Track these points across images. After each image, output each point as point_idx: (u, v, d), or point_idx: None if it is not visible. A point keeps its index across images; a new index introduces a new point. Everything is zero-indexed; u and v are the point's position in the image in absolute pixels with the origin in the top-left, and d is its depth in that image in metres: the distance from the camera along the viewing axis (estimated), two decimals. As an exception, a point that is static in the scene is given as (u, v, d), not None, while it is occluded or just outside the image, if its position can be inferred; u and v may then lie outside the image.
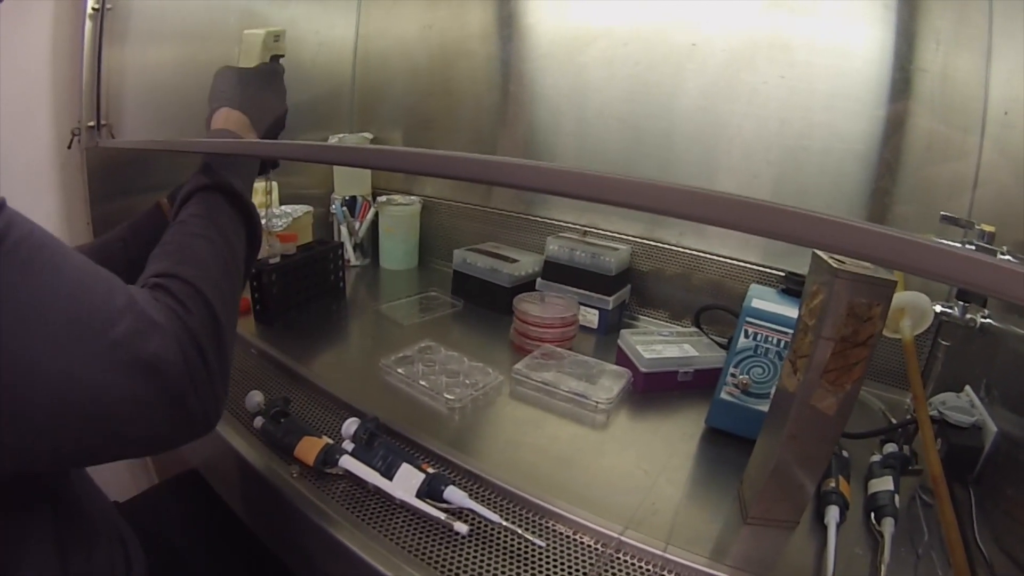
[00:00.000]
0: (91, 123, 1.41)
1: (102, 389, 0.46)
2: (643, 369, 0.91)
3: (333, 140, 1.63)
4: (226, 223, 0.71)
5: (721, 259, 1.14)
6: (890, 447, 0.78)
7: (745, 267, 1.11)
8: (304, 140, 1.69)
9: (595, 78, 1.25)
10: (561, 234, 1.26)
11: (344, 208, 1.57)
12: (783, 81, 1.03)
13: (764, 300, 0.78)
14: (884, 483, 0.70)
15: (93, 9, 1.37)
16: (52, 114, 1.44)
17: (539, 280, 1.22)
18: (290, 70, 0.93)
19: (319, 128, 1.71)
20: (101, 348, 0.46)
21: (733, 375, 0.80)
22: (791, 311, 0.76)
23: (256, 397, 0.85)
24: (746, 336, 0.78)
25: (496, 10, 1.43)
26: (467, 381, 0.92)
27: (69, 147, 1.46)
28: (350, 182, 1.63)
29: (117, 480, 1.38)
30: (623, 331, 1.00)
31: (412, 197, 1.57)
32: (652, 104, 1.18)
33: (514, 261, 1.25)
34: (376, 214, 1.57)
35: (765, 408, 0.77)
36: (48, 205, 1.50)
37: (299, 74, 1.57)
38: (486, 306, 1.26)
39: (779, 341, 0.77)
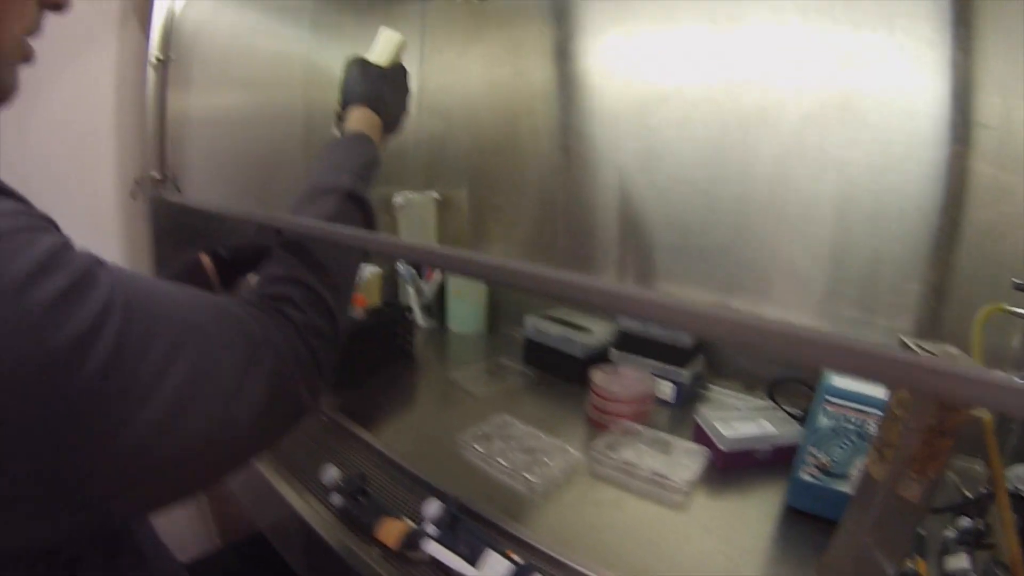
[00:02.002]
0: (155, 174, 1.54)
1: (228, 425, 0.53)
2: (723, 448, 0.99)
3: (399, 198, 1.75)
4: (343, 222, 0.78)
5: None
6: (964, 521, 0.83)
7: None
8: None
9: (666, 140, 1.34)
10: None
11: (411, 269, 1.68)
12: (859, 144, 1.10)
13: (844, 378, 0.86)
14: (960, 560, 0.76)
15: (156, 60, 1.52)
16: (116, 163, 1.60)
17: (613, 350, 1.31)
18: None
19: (384, 184, 1.83)
20: (225, 391, 0.53)
21: (813, 455, 0.87)
22: (870, 389, 0.83)
23: (332, 472, 0.94)
24: (825, 415, 0.85)
25: (561, 70, 1.54)
26: (546, 460, 1.00)
27: (133, 197, 1.60)
28: (413, 237, 1.74)
29: (179, 538, 1.48)
30: (701, 407, 1.08)
31: None
32: (726, 168, 1.26)
33: (587, 330, 1.35)
34: (444, 275, 1.67)
35: (844, 488, 0.84)
36: (111, 253, 1.58)
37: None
38: (559, 376, 1.35)
39: (859, 420, 0.83)
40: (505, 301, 1.70)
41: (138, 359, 0.45)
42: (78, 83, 1.52)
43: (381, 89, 0.96)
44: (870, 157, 1.09)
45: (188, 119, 1.57)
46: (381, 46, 1.00)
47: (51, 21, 0.59)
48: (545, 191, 1.62)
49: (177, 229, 1.56)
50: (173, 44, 1.53)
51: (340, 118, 0.95)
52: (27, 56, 0.58)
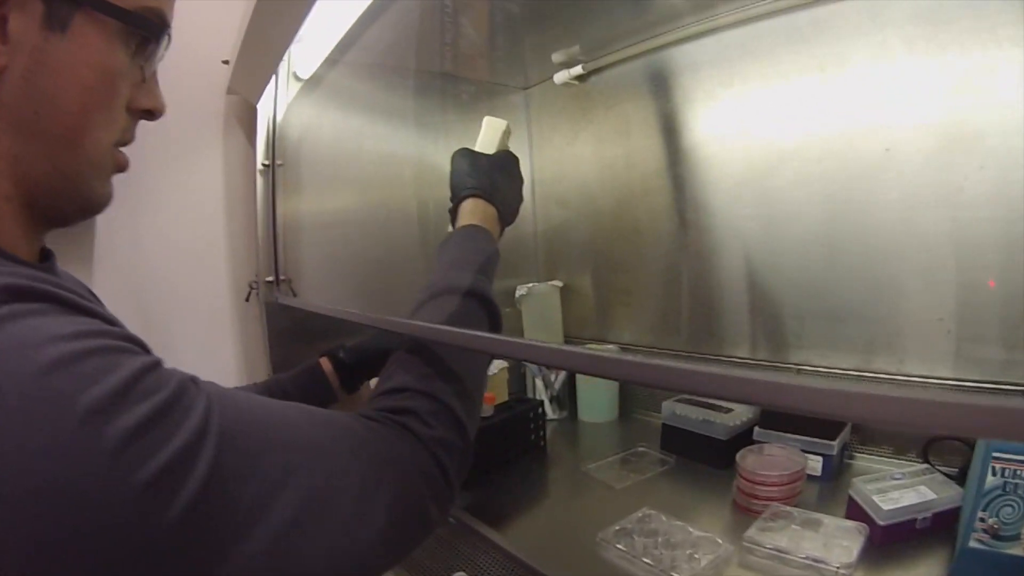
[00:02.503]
0: (269, 278, 1.64)
1: (349, 552, 0.53)
2: (881, 522, 0.95)
3: (522, 291, 1.80)
4: (468, 324, 0.77)
5: (945, 381, 1.15)
6: None
7: (966, 388, 1.11)
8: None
9: (787, 201, 1.35)
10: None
11: (539, 361, 1.69)
12: (983, 173, 1.07)
13: None
14: None
15: (263, 166, 1.65)
16: (229, 267, 1.74)
17: (757, 429, 1.28)
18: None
19: (506, 277, 1.90)
20: (343, 518, 0.52)
21: (982, 519, 0.81)
22: None
23: None
24: (994, 474, 0.81)
25: (671, 143, 1.58)
26: (694, 554, 0.98)
27: (247, 299, 1.71)
28: (542, 332, 1.79)
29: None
30: (854, 480, 1.04)
31: (609, 346, 1.72)
32: (851, 222, 1.25)
33: (728, 411, 1.32)
34: (574, 365, 1.68)
35: (1017, 551, 0.79)
36: (227, 354, 1.75)
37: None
38: (701, 460, 1.33)
39: None
40: (637, 387, 1.69)
41: (237, 489, 0.45)
42: (189, 191, 1.68)
43: (492, 177, 0.96)
44: (996, 186, 1.06)
45: (300, 222, 1.69)
46: (486, 134, 1.02)
47: (159, 133, 0.62)
48: (668, 270, 1.64)
49: (293, 330, 1.65)
50: (279, 150, 1.66)
51: (453, 214, 0.95)
52: (121, 166, 0.60)
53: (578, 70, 1.73)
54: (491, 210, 0.93)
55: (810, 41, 1.28)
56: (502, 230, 0.95)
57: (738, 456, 1.16)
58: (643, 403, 1.67)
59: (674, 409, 1.39)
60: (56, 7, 0.52)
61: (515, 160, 1.02)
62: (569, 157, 1.88)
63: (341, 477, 0.53)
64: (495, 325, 0.81)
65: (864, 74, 1.21)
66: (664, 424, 1.41)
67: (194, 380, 0.47)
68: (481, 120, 1.04)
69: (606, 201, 1.77)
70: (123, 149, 0.60)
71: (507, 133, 1.03)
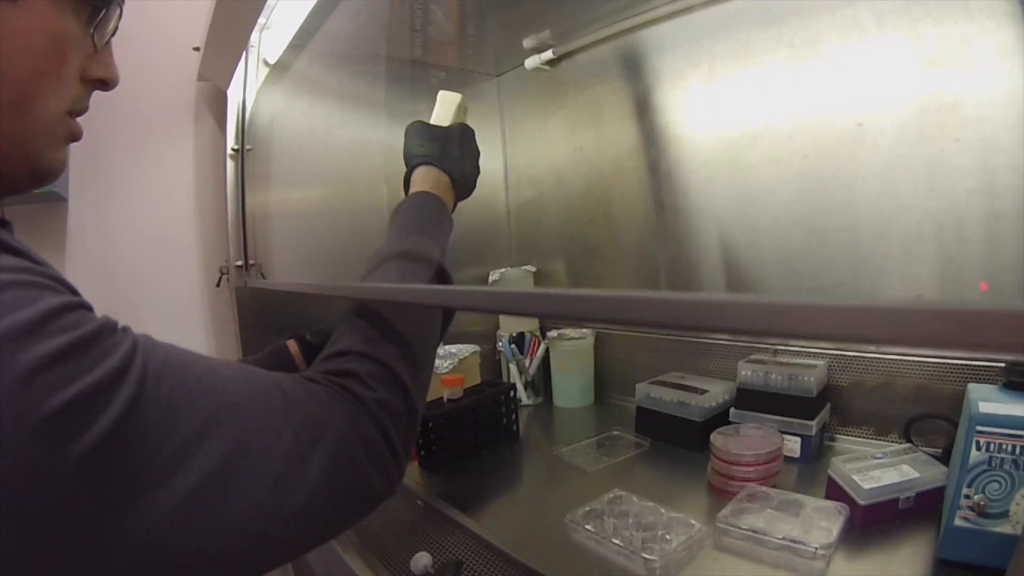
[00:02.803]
0: (239, 262, 1.62)
1: (274, 515, 0.50)
2: (862, 502, 0.90)
3: (494, 276, 1.78)
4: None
5: (926, 359, 1.12)
6: None
7: (952, 364, 1.09)
8: (465, 277, 1.84)
9: (763, 180, 1.31)
10: (752, 357, 1.28)
11: (512, 346, 1.67)
12: (959, 145, 1.04)
13: (991, 402, 0.78)
14: None
15: (233, 150, 1.64)
16: (200, 252, 1.74)
17: (732, 410, 1.25)
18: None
19: (479, 264, 1.89)
20: (271, 476, 0.50)
21: (967, 496, 0.77)
22: (1021, 409, 0.75)
23: (424, 560, 0.92)
24: (978, 448, 0.77)
25: (645, 125, 1.55)
26: (666, 536, 0.94)
27: (218, 285, 1.71)
28: (517, 318, 1.72)
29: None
30: (834, 459, 1.00)
31: (584, 330, 1.67)
32: (829, 199, 1.22)
33: (703, 392, 1.29)
34: (547, 350, 1.65)
35: (1006, 528, 0.75)
36: (198, 340, 1.76)
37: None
38: (676, 443, 1.29)
39: (1015, 448, 0.75)
40: (612, 371, 1.67)
41: (156, 435, 0.43)
42: (160, 177, 1.67)
43: (445, 147, 0.95)
44: (972, 158, 1.03)
45: (270, 207, 1.67)
46: (441, 108, 1.00)
47: (130, 119, 0.60)
48: (644, 252, 1.61)
49: (262, 316, 1.64)
50: (249, 135, 1.63)
51: (407, 183, 0.94)
52: (75, 135, 0.59)
53: (548, 55, 1.69)
54: (444, 178, 0.92)
55: (780, 19, 1.25)
56: (457, 199, 0.94)
57: (712, 437, 1.11)
58: (619, 388, 1.63)
59: (648, 391, 1.35)
60: None
61: (470, 132, 1.00)
62: (541, 143, 1.84)
63: (271, 435, 0.51)
64: (443, 281, 0.80)
65: (835, 50, 1.18)
66: (638, 407, 1.36)
67: (124, 329, 0.46)
68: (438, 93, 1.02)
69: (578, 185, 1.73)
70: (83, 122, 0.59)
71: (462, 107, 1.01)
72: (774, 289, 1.32)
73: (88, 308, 0.45)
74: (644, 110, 1.54)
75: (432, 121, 0.98)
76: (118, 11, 0.59)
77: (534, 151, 1.87)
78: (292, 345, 1.10)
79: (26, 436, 0.37)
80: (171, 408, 0.45)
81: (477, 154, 0.99)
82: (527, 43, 1.72)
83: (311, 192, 1.72)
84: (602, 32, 1.58)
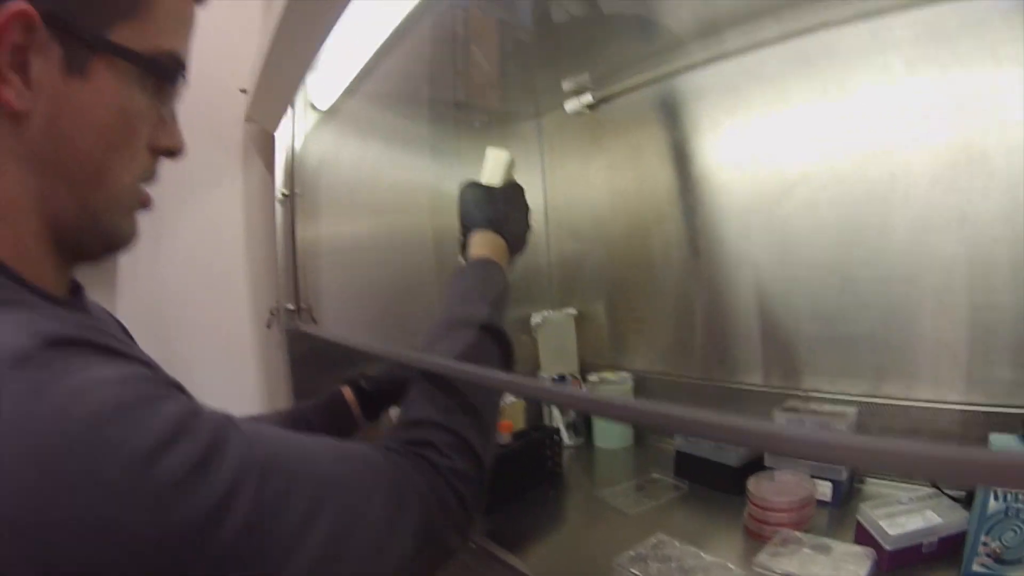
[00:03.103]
0: (290, 306, 1.72)
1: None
2: (888, 547, 1.00)
3: (536, 319, 1.89)
4: (489, 361, 0.84)
5: (951, 407, 1.22)
6: None
7: (975, 412, 1.18)
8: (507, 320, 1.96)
9: (798, 228, 1.43)
10: (787, 405, 1.39)
11: (554, 388, 1.78)
12: (990, 194, 1.15)
13: None
14: None
15: (282, 195, 1.73)
16: (250, 296, 1.83)
17: (767, 456, 1.35)
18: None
19: (521, 305, 2.00)
20: (370, 547, 0.59)
21: (985, 544, 0.88)
22: None
23: None
24: (996, 498, 0.87)
25: (683, 171, 1.67)
26: (707, 580, 1.04)
27: (268, 326, 1.80)
28: (557, 360, 1.86)
29: None
30: (862, 505, 1.10)
31: (624, 374, 1.79)
32: (863, 248, 1.33)
33: None
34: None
35: (1021, 575, 0.85)
36: (248, 380, 1.84)
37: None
38: (713, 487, 1.40)
39: None
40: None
41: (276, 521, 0.50)
42: (209, 219, 1.77)
43: (500, 209, 1.03)
44: (1004, 207, 1.13)
45: (319, 250, 1.77)
46: (491, 166, 1.08)
47: (179, 162, 0.68)
48: (681, 297, 1.72)
49: (313, 357, 1.73)
50: (297, 178, 1.73)
51: (464, 246, 1.01)
52: (144, 203, 0.65)
53: (588, 98, 1.81)
54: (501, 242, 1.00)
55: (814, 66, 1.36)
56: (512, 260, 1.03)
57: (749, 483, 1.22)
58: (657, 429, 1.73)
59: (687, 436, 1.47)
60: (74, 52, 0.56)
61: (521, 191, 1.09)
62: (581, 185, 1.96)
63: (366, 507, 0.60)
64: (508, 358, 0.87)
65: (868, 97, 1.29)
66: (677, 451, 1.47)
67: (231, 419, 0.52)
68: (486, 151, 1.11)
69: (618, 229, 1.85)
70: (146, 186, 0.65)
71: (511, 164, 1.09)
72: (804, 335, 1.43)
73: (200, 407, 0.50)
74: (682, 156, 1.66)
75: (483, 180, 1.07)
76: (183, 81, 0.65)
77: (574, 194, 2.00)
78: (347, 392, 1.14)
79: (169, 548, 0.43)
80: (284, 495, 0.51)
81: (528, 211, 1.09)
82: (566, 85, 1.85)
83: (359, 232, 1.84)
84: (640, 77, 1.70)
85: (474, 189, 1.05)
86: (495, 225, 1.01)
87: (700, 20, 1.49)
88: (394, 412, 1.14)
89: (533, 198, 1.98)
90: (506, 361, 0.87)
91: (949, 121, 1.19)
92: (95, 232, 0.62)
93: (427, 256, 1.88)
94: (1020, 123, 1.09)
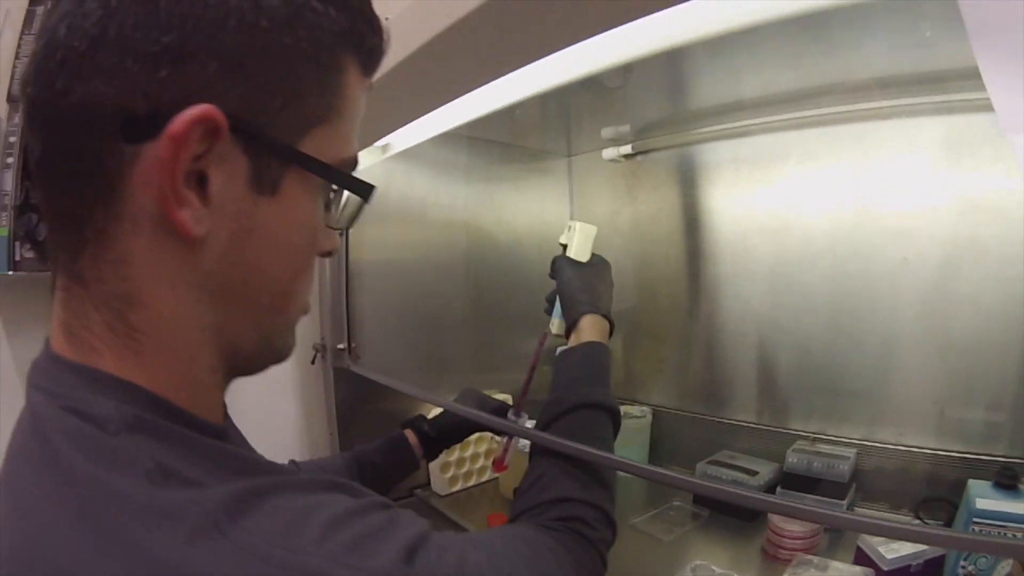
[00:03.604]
0: (340, 346, 1.88)
1: None
2: (885, 568, 1.31)
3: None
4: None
5: (935, 452, 1.53)
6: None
7: (955, 457, 1.50)
8: (524, 350, 2.21)
9: (802, 291, 1.77)
10: (796, 446, 1.70)
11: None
12: (983, 283, 1.46)
13: (986, 499, 1.20)
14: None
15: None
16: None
17: (779, 489, 1.65)
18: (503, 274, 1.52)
19: (534, 334, 2.24)
20: None
21: (963, 566, 1.21)
22: (1010, 506, 1.17)
23: None
24: (972, 533, 1.17)
25: (701, 235, 2.02)
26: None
27: (312, 362, 1.92)
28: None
29: None
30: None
31: (644, 408, 2.08)
32: (857, 312, 1.67)
33: (755, 473, 1.70)
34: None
35: None
36: (289, 414, 1.98)
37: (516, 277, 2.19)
38: (732, 515, 1.70)
39: (1001, 534, 1.16)
40: (665, 445, 2.07)
41: None
42: None
43: (599, 291, 1.20)
44: (989, 293, 1.45)
45: (364, 285, 1.94)
46: (581, 240, 1.26)
47: None
48: (694, 343, 2.05)
49: (355, 392, 1.93)
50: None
51: (572, 326, 1.17)
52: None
53: (627, 149, 2.06)
54: (607, 325, 1.17)
55: (845, 150, 1.65)
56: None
57: (771, 515, 1.51)
58: (670, 459, 2.04)
59: (706, 470, 1.75)
60: (265, 167, 0.55)
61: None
62: (608, 229, 2.16)
63: None
64: (616, 432, 1.07)
65: (886, 177, 1.59)
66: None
67: (425, 536, 0.58)
68: (573, 224, 1.28)
69: (637, 273, 2.15)
70: None
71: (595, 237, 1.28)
72: (809, 386, 1.77)
73: (422, 531, 0.58)
74: (700, 220, 1.99)
75: (573, 254, 1.24)
76: (370, 191, 0.65)
77: (600, 235, 2.25)
78: (411, 436, 1.32)
79: None
80: None
81: (612, 286, 1.27)
82: (605, 133, 2.08)
83: (405, 266, 2.03)
84: (676, 138, 1.99)
85: (574, 269, 1.23)
86: (603, 309, 1.18)
87: (729, 101, 1.78)
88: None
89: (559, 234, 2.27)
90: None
91: (954, 211, 1.49)
92: (267, 355, 0.65)
93: (460, 292, 2.12)
94: (1018, 223, 1.40)
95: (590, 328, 1.15)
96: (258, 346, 0.62)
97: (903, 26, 1.15)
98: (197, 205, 0.52)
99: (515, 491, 1.08)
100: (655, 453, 2.09)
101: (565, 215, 2.39)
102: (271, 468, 0.57)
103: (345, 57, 0.60)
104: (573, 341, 1.17)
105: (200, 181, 0.52)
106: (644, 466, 1.02)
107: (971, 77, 1.23)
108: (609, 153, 2.14)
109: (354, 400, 1.94)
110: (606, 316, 1.19)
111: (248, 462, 0.56)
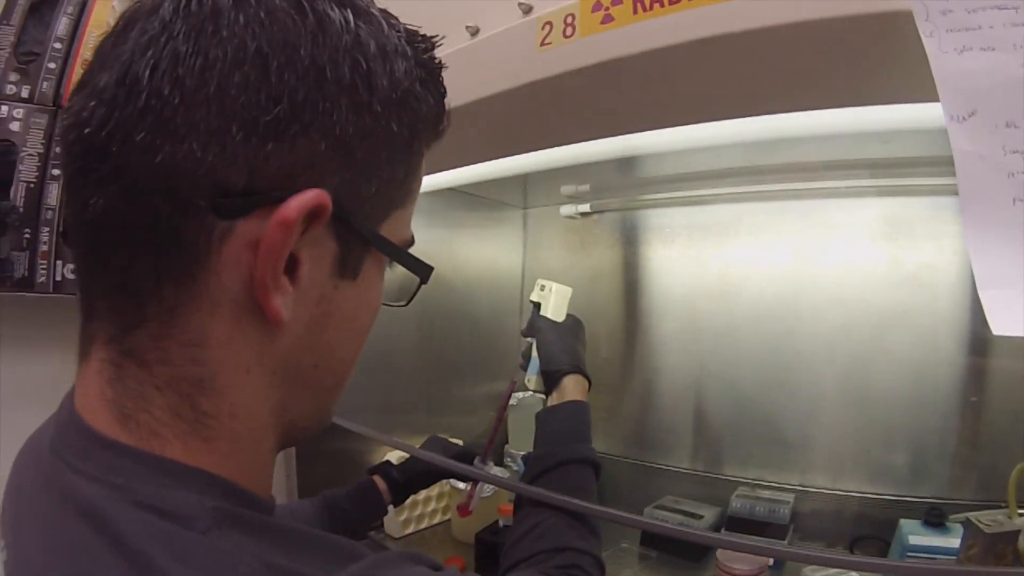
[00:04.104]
0: None
1: None
2: None
3: (513, 401, 2.18)
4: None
5: (865, 496, 1.68)
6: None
7: (885, 500, 1.64)
8: (482, 393, 2.35)
9: (740, 357, 1.91)
10: (739, 492, 1.82)
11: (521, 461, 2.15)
12: (911, 348, 1.63)
13: (916, 535, 1.34)
14: None
15: None
16: None
17: (724, 531, 1.75)
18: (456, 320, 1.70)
19: (493, 381, 2.38)
20: None
21: (897, 598, 1.35)
22: (940, 541, 1.32)
23: None
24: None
25: (647, 299, 2.14)
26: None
27: None
28: (526, 439, 2.10)
29: None
30: (805, 569, 1.51)
31: None
32: (791, 370, 1.82)
33: (700, 517, 1.82)
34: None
35: None
36: None
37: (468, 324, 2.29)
38: (678, 555, 1.79)
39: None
40: (608, 489, 2.16)
41: None
42: None
43: (579, 352, 1.27)
44: (919, 358, 1.62)
45: None
46: (557, 301, 1.32)
47: None
48: (631, 390, 2.18)
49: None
50: None
51: (553, 384, 1.23)
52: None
53: (585, 207, 2.15)
54: (586, 384, 1.24)
55: (791, 223, 1.81)
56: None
57: (718, 552, 1.61)
58: (616, 501, 2.10)
59: (653, 514, 1.85)
60: (351, 251, 0.55)
61: (583, 327, 1.37)
62: (559, 282, 2.26)
63: None
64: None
65: (832, 253, 1.75)
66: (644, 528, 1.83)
67: None
68: (548, 284, 1.36)
69: (587, 325, 2.13)
70: None
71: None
72: (748, 437, 1.91)
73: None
74: (651, 279, 2.12)
75: (550, 314, 1.31)
76: (428, 273, 0.65)
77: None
78: (380, 482, 1.33)
79: None
80: None
81: (587, 344, 1.34)
82: (565, 190, 2.16)
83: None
84: (636, 202, 2.11)
85: (555, 330, 1.30)
86: (581, 368, 1.24)
87: (685, 172, 1.90)
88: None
89: (512, 285, 2.41)
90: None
91: (889, 283, 1.66)
92: (317, 429, 0.63)
93: (409, 336, 2.17)
94: (950, 296, 1.58)
95: (573, 387, 1.22)
96: (312, 422, 0.61)
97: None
98: (289, 290, 0.50)
99: (478, 534, 1.34)
100: (601, 497, 2.08)
101: (518, 265, 2.50)
102: (355, 547, 0.56)
103: (424, 141, 0.60)
104: (556, 398, 1.24)
105: (290, 263, 0.50)
106: (624, 514, 1.13)
107: (912, 165, 1.45)
108: (567, 210, 2.22)
109: (320, 453, 1.97)
110: (585, 374, 1.26)
111: (340, 546, 0.55)
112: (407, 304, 0.71)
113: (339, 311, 0.55)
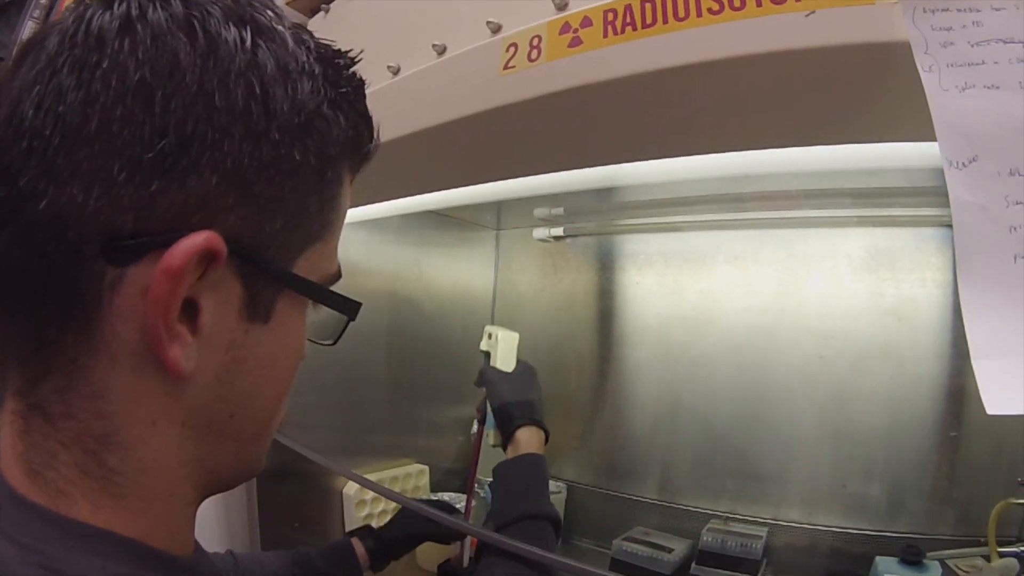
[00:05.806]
0: None
1: None
2: None
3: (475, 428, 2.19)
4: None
5: (841, 530, 1.65)
6: None
7: (861, 535, 1.61)
8: (450, 417, 2.30)
9: (717, 386, 1.88)
10: (711, 525, 1.79)
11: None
12: (893, 382, 1.60)
13: (893, 574, 1.31)
14: None
15: None
16: None
17: (694, 565, 1.73)
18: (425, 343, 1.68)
19: (463, 405, 2.30)
20: None
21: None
22: None
23: None
24: None
25: (622, 323, 2.10)
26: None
27: None
28: (492, 464, 2.18)
29: None
30: None
31: (559, 484, 2.13)
32: (777, 407, 1.78)
33: (670, 550, 1.78)
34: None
35: None
36: (207, 518, 1.79)
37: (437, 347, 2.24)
38: None
39: None
40: (578, 518, 2.11)
41: None
42: None
43: (532, 400, 1.27)
44: (899, 393, 1.59)
45: None
46: (505, 348, 1.32)
47: None
48: (601, 418, 2.15)
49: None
50: None
51: (507, 438, 1.24)
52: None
53: (559, 231, 2.12)
54: (542, 435, 1.25)
55: (770, 252, 1.79)
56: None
57: None
58: (585, 533, 2.09)
59: (623, 546, 1.81)
60: (259, 293, 0.51)
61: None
62: (531, 305, 2.31)
63: None
64: (557, 536, 1.14)
65: (812, 284, 1.73)
66: (613, 558, 1.81)
67: None
68: (494, 331, 1.35)
69: (557, 350, 2.21)
70: None
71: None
72: (721, 470, 1.87)
73: None
74: (625, 306, 2.08)
75: (499, 364, 1.31)
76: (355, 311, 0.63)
77: (521, 314, 2.34)
78: (357, 544, 1.30)
79: None
80: None
81: (541, 390, 1.35)
82: (538, 213, 2.13)
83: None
84: (611, 227, 2.09)
85: (506, 381, 1.30)
86: (537, 421, 1.26)
87: (661, 198, 1.88)
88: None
89: (485, 309, 2.31)
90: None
91: (870, 315, 1.64)
92: (244, 477, 0.60)
93: (378, 360, 2.13)
94: (931, 330, 1.57)
95: (527, 441, 1.22)
96: (236, 472, 0.58)
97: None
98: (188, 339, 0.47)
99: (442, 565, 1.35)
100: (570, 527, 2.12)
101: (489, 287, 2.46)
102: None
103: (343, 168, 0.57)
104: (511, 453, 1.23)
105: (188, 310, 0.47)
106: (590, 568, 1.04)
107: (895, 195, 1.43)
108: (540, 233, 2.19)
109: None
110: (540, 425, 1.25)
111: None
112: (334, 343, 0.69)
113: (253, 356, 0.52)
